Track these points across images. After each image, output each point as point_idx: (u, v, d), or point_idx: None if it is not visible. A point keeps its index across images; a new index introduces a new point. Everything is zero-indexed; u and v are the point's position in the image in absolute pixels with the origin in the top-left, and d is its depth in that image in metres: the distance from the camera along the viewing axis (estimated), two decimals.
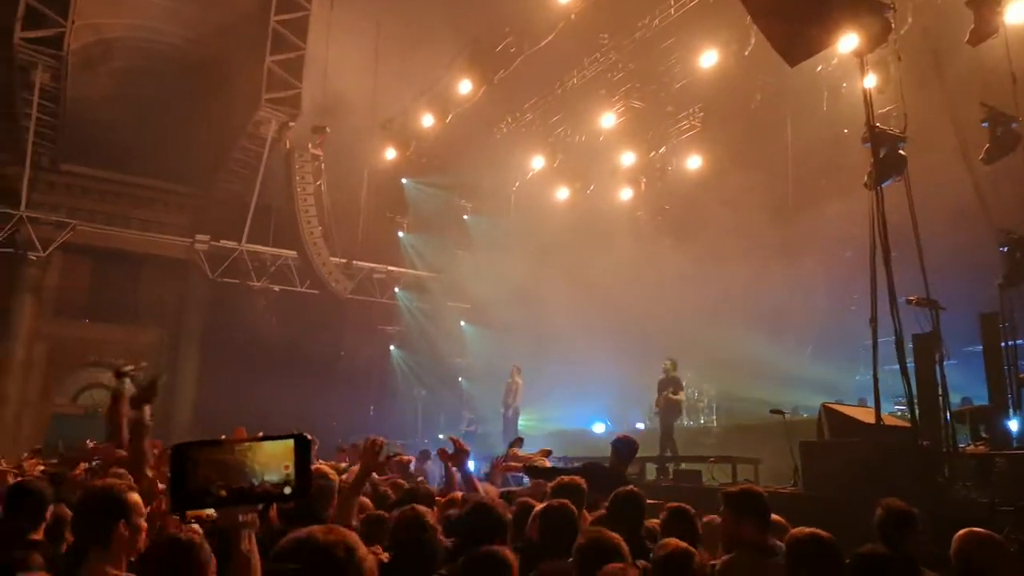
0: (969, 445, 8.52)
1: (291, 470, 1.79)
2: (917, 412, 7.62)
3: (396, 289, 22.32)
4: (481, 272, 20.00)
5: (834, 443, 8.02)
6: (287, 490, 1.79)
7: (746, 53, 14.74)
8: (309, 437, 1.85)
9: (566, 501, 3.77)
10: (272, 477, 1.79)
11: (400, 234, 22.23)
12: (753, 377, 13.06)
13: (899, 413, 9.70)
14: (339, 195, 20.36)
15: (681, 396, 13.36)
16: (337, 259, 20.32)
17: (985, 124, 10.14)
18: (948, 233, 9.70)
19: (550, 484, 4.67)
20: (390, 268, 22.03)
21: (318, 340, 20.19)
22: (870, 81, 9.49)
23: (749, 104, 15.91)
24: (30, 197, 18.36)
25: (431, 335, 20.98)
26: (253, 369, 18.24)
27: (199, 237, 20.32)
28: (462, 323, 22.06)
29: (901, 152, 8.95)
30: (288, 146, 19.11)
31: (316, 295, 20.60)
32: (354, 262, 21.04)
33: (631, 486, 4.46)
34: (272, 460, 1.79)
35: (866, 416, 8.08)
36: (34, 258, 18.95)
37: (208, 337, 21.18)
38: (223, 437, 1.86)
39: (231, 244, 20.19)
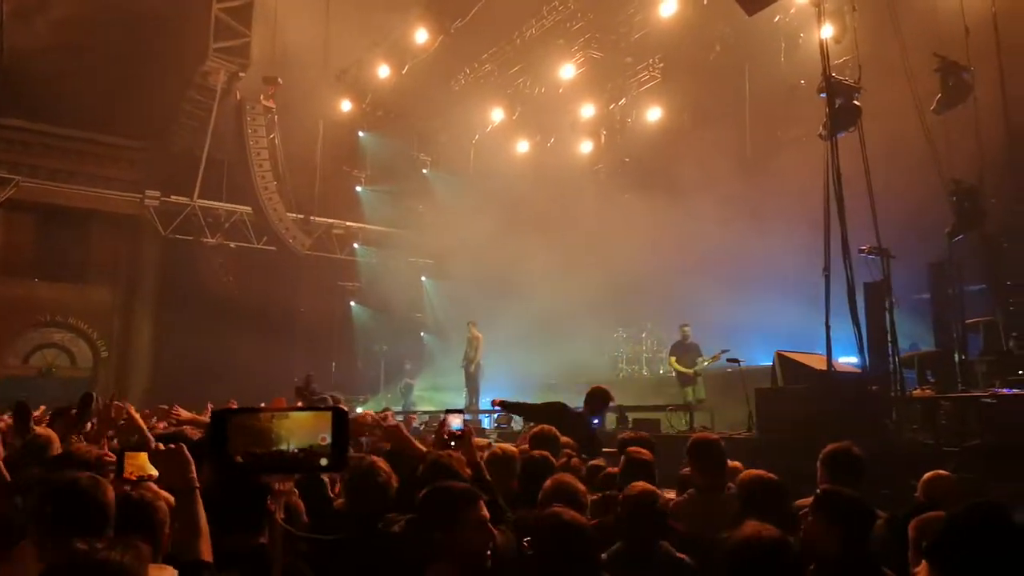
0: (916, 389, 8.81)
1: (327, 442, 1.82)
2: (867, 358, 7.84)
3: (355, 245, 22.05)
4: (442, 227, 19.85)
5: (787, 389, 8.24)
6: (323, 461, 1.82)
7: (705, 2, 14.66)
8: (346, 409, 1.91)
9: (546, 452, 3.93)
10: (306, 447, 1.82)
11: (358, 189, 21.87)
12: (714, 327, 13.24)
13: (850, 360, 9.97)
14: (294, 149, 19.87)
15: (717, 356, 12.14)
16: (294, 215, 19.95)
17: (938, 74, 10.27)
18: (900, 183, 9.87)
19: (528, 434, 4.80)
20: (348, 224, 21.72)
21: (277, 297, 19.93)
22: (827, 31, 9.51)
23: (708, 55, 15.85)
24: None
25: (392, 291, 20.82)
26: (211, 327, 17.98)
27: (149, 193, 19.75)
28: (423, 278, 21.96)
29: (856, 103, 9.03)
30: (239, 98, 18.54)
31: (273, 251, 20.24)
32: (312, 217, 20.70)
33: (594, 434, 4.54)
34: (307, 431, 1.82)
35: (818, 363, 8.29)
36: None
37: (163, 295, 20.75)
38: (262, 405, 1.88)
39: (183, 200, 19.66)
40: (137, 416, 4.77)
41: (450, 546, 2.53)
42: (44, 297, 20.31)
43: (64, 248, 20.87)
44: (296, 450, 1.81)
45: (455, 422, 3.67)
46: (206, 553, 2.05)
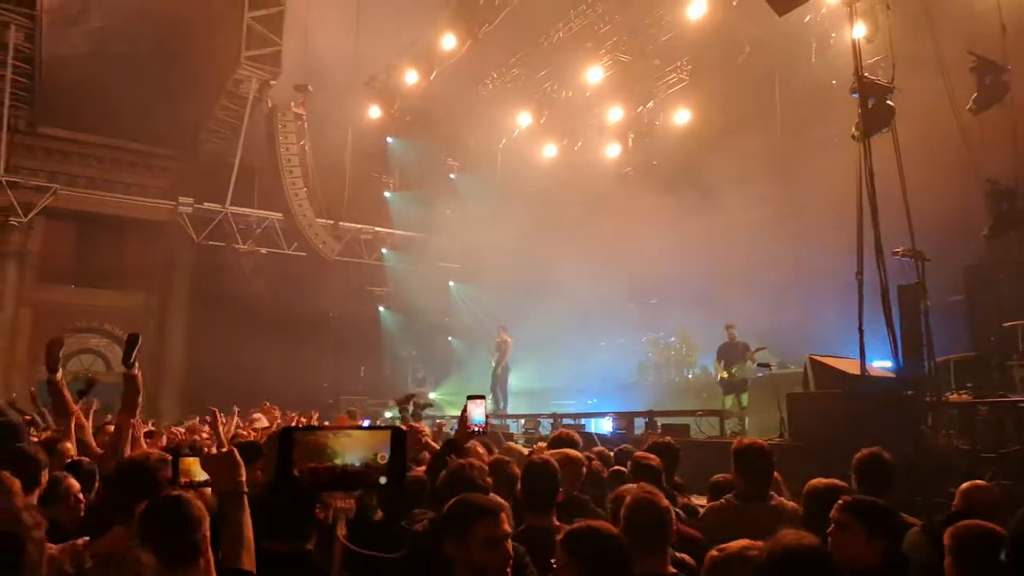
0: (953, 394, 8.62)
1: (386, 460, 1.88)
2: (902, 362, 7.69)
3: (383, 250, 22.21)
4: (469, 231, 19.90)
5: (819, 394, 8.10)
6: (382, 480, 1.88)
7: (734, 3, 14.53)
8: (405, 428, 1.96)
9: (549, 459, 3.75)
10: (365, 464, 1.88)
11: (386, 194, 22.04)
12: (746, 331, 13.07)
13: (885, 364, 9.79)
14: (323, 155, 20.11)
15: (756, 357, 11.77)
16: (323, 220, 20.16)
17: (973, 73, 10.06)
18: (935, 184, 9.67)
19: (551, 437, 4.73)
20: (377, 229, 21.89)
21: (306, 302, 20.13)
22: (859, 31, 9.37)
23: (737, 57, 15.70)
24: (8, 161, 18.06)
25: (420, 295, 20.93)
26: (242, 332, 18.21)
27: (182, 200, 20.09)
28: (451, 283, 22.03)
29: (889, 103, 8.87)
30: (270, 105, 18.81)
31: (303, 257, 20.47)
32: (340, 223, 20.89)
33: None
34: (366, 448, 1.88)
35: (851, 367, 8.14)
36: (16, 223, 18.71)
37: (196, 300, 21.10)
38: (326, 423, 1.93)
39: (215, 207, 19.97)
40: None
41: (464, 561, 2.46)
42: (81, 303, 20.75)
43: (100, 255, 21.31)
44: (356, 466, 1.86)
45: (477, 413, 3.57)
46: (248, 563, 2.04)
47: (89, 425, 5.00)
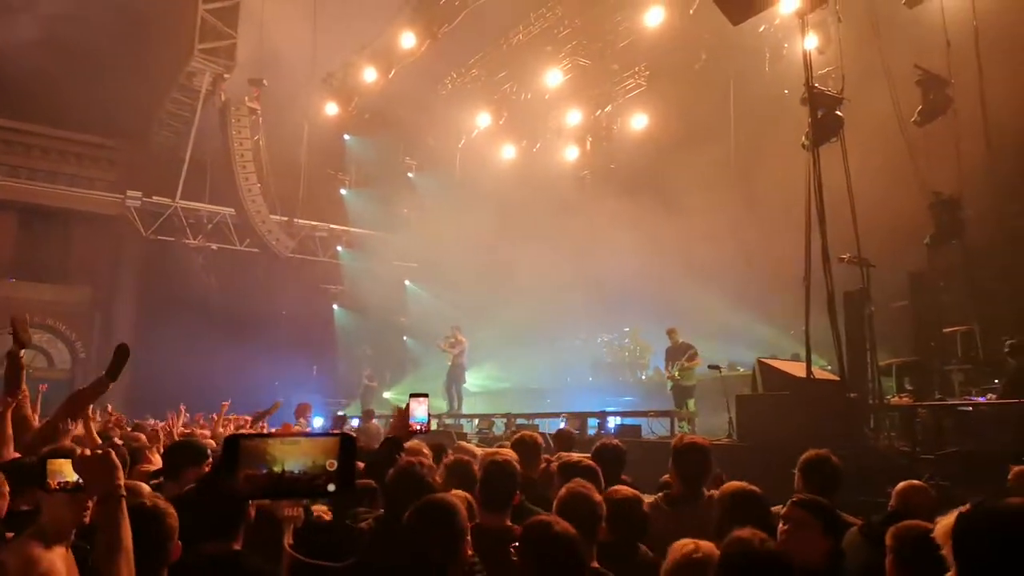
0: (894, 397, 8.88)
1: (335, 467, 1.84)
2: (846, 366, 7.89)
3: (339, 248, 21.97)
4: (426, 231, 19.81)
5: (767, 396, 8.27)
6: (331, 487, 1.83)
7: (691, 12, 14.75)
8: (354, 435, 1.91)
9: (508, 457, 3.74)
10: (312, 472, 1.83)
11: (343, 192, 21.80)
12: (694, 334, 13.28)
13: (830, 367, 10.05)
14: (278, 151, 19.80)
15: (697, 362, 11.88)
16: (277, 217, 19.85)
17: (919, 86, 10.39)
18: (881, 193, 9.96)
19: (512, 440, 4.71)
20: (332, 226, 21.65)
21: (259, 299, 19.81)
22: (811, 42, 9.60)
23: (694, 64, 15.95)
24: None
25: (375, 294, 20.75)
26: (192, 329, 17.82)
27: (131, 193, 19.60)
28: (407, 282, 21.90)
29: (838, 113, 9.10)
30: (223, 99, 18.45)
31: (256, 253, 20.15)
32: (295, 220, 20.60)
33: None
34: (314, 455, 1.84)
35: (798, 370, 8.33)
36: None
37: (144, 296, 20.56)
38: (272, 431, 1.88)
39: (165, 200, 19.52)
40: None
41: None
42: (22, 297, 20.03)
43: (44, 248, 20.68)
44: (303, 474, 1.82)
45: (420, 411, 3.48)
46: (126, 571, 1.90)
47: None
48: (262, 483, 1.80)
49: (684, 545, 2.40)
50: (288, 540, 1.91)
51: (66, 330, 20.58)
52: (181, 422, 8.12)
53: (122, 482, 1.97)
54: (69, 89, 18.11)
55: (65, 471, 2.32)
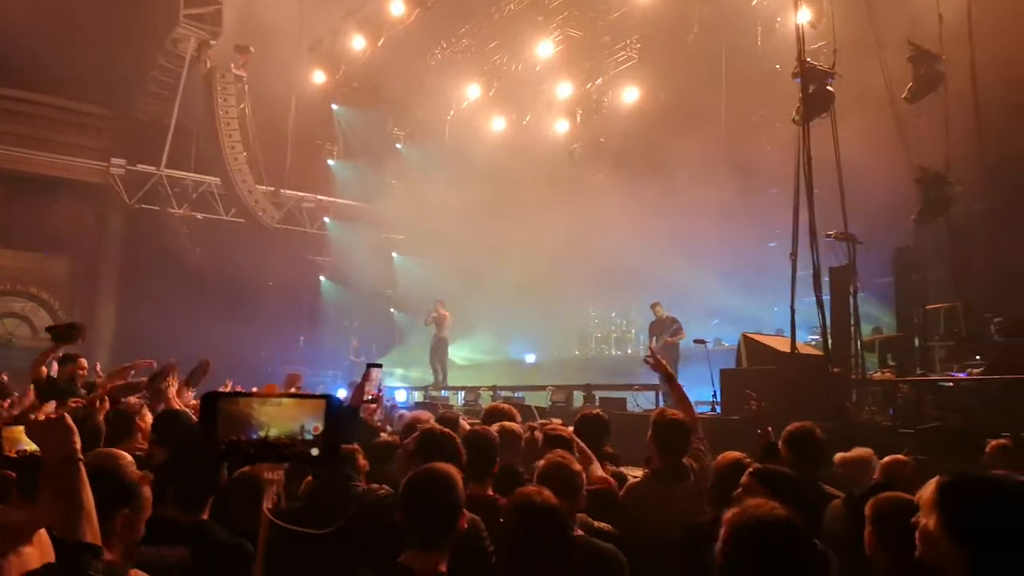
0: (877, 372, 8.96)
1: (320, 431, 1.75)
2: (830, 341, 7.95)
3: (326, 219, 21.79)
4: (415, 202, 19.69)
5: (751, 370, 8.33)
6: (314, 451, 1.75)
7: None
8: (341, 398, 1.82)
9: (488, 429, 3.79)
10: (296, 435, 1.75)
11: (330, 162, 21.58)
12: (685, 308, 13.32)
13: (814, 343, 10.11)
14: (265, 120, 19.52)
15: (682, 335, 12.08)
16: (264, 187, 19.64)
17: (910, 62, 10.34)
18: (871, 169, 9.96)
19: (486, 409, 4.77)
20: (320, 197, 21.44)
21: (245, 270, 19.60)
22: (803, 16, 9.53)
23: (686, 37, 15.80)
24: None
25: (362, 266, 20.64)
26: (177, 299, 17.69)
27: (115, 161, 19.32)
28: (394, 254, 21.79)
29: (829, 88, 9.07)
30: (209, 66, 18.13)
31: (242, 224, 19.93)
32: (282, 190, 20.40)
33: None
34: (297, 418, 1.76)
35: (782, 345, 8.39)
36: None
37: (127, 266, 20.34)
38: (254, 390, 1.80)
39: (149, 169, 19.26)
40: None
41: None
42: (5, 265, 19.82)
43: (27, 216, 20.33)
44: (286, 438, 1.74)
45: (375, 380, 3.61)
46: (90, 534, 1.83)
47: None
48: (243, 447, 1.74)
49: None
50: (268, 504, 1.86)
51: (49, 298, 20.37)
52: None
53: (79, 445, 1.90)
54: (53, 55, 17.72)
55: (22, 439, 2.27)
